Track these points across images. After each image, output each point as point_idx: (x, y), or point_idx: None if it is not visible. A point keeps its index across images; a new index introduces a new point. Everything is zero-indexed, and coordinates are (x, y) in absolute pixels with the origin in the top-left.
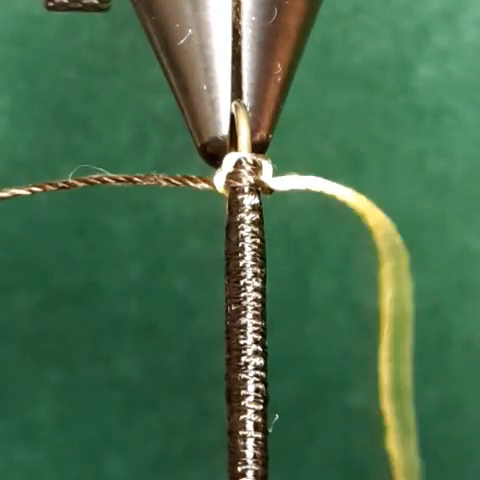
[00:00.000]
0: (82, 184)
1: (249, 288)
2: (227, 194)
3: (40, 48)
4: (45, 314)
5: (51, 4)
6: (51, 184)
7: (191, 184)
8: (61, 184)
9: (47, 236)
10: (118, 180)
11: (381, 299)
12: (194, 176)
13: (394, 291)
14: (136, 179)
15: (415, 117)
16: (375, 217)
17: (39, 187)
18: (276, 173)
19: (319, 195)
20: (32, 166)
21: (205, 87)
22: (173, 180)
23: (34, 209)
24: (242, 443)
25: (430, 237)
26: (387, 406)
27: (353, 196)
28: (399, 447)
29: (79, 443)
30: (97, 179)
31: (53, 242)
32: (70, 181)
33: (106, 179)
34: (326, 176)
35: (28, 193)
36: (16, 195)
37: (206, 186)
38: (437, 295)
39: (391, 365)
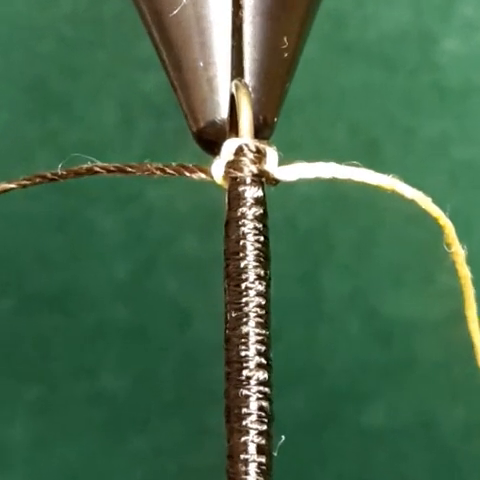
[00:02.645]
0: (71, 176)
1: (251, 292)
2: (226, 185)
3: (13, 19)
4: (20, 320)
5: None
6: (40, 176)
7: (187, 174)
8: (50, 176)
9: (22, 232)
10: (109, 170)
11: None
12: (190, 165)
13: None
14: (129, 169)
15: (439, 97)
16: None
17: (28, 180)
18: (282, 161)
19: (330, 185)
20: (5, 152)
21: (201, 64)
22: (167, 170)
23: (7, 202)
24: (243, 468)
25: (457, 231)
26: None
27: (371, 176)
28: None
29: (58, 466)
30: (88, 170)
31: (29, 239)
32: (60, 172)
33: (97, 169)
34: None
35: (18, 187)
36: (6, 190)
37: (203, 176)
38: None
39: (475, 326)
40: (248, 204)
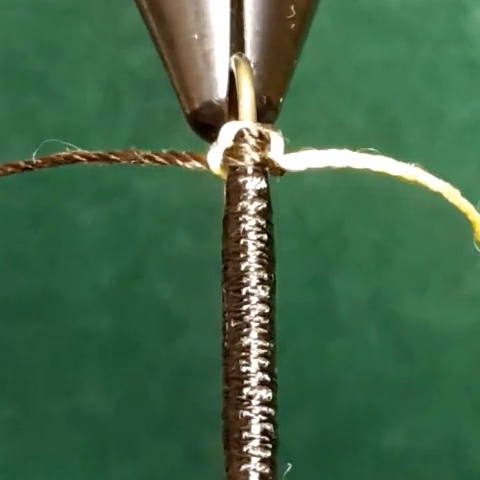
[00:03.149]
0: (48, 164)
1: (253, 299)
2: (225, 176)
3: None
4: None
5: None
6: (13, 165)
7: (179, 163)
8: (24, 165)
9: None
10: (91, 158)
11: None
12: (183, 152)
13: None
14: (113, 157)
15: (469, 73)
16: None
17: (13, 165)
18: (288, 148)
19: (344, 176)
20: None
21: (196, 36)
22: (157, 158)
23: None
24: None
25: None
26: None
27: (391, 165)
28: None
29: None
30: (66, 158)
31: (3, 240)
32: (34, 161)
33: (77, 157)
34: (353, 151)
35: (2, 175)
36: None
37: (198, 165)
38: None
39: None
40: (249, 197)
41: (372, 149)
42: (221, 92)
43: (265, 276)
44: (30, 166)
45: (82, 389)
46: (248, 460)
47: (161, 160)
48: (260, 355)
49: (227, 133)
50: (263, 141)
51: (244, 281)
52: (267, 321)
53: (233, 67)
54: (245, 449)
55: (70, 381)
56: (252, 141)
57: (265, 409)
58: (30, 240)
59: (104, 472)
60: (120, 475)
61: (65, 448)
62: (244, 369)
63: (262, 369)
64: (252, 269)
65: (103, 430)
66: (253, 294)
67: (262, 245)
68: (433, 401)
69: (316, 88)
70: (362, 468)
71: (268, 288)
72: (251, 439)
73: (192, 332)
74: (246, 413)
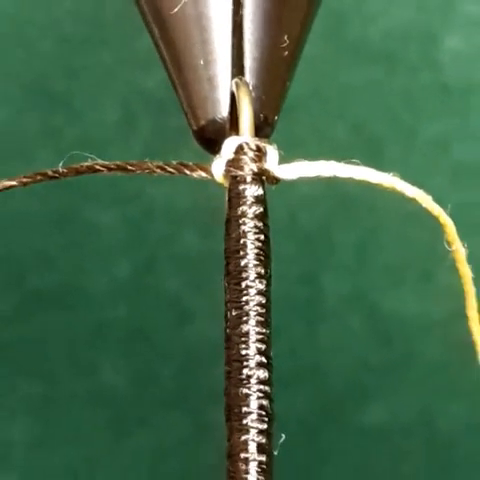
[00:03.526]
0: (72, 174)
1: (252, 291)
2: (227, 184)
3: (15, 17)
4: (20, 319)
5: None
6: (41, 174)
7: (187, 172)
8: (51, 173)
9: (23, 230)
10: (110, 168)
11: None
12: (190, 163)
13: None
14: (129, 167)
15: (441, 96)
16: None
17: (29, 178)
18: (283, 160)
19: (331, 184)
20: (6, 151)
21: (202, 62)
22: (168, 168)
23: (8, 200)
24: (244, 467)
25: (458, 231)
26: None
27: (373, 174)
28: None
29: (58, 465)
30: (88, 168)
31: (28, 237)
32: (61, 170)
33: (98, 167)
34: (339, 162)
35: (19, 185)
36: (7, 188)
37: (203, 175)
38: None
39: (475, 324)
40: (248, 202)
41: (355, 160)
42: (224, 111)
43: (262, 271)
44: (57, 175)
45: (101, 369)
46: (247, 431)
47: (171, 170)
48: (258, 340)
49: (229, 147)
50: (260, 154)
51: (244, 275)
52: (264, 310)
53: (234, 89)
54: (244, 422)
55: (91, 362)
56: (251, 154)
57: (262, 387)
58: (56, 239)
59: (121, 442)
60: (135, 444)
61: (86, 421)
62: (244, 352)
63: (259, 352)
64: (251, 265)
65: (120, 405)
66: (252, 287)
67: (259, 244)
68: (409, 381)
69: (307, 107)
70: (347, 439)
71: (265, 282)
72: (250, 413)
73: (198, 320)
74: (245, 390)
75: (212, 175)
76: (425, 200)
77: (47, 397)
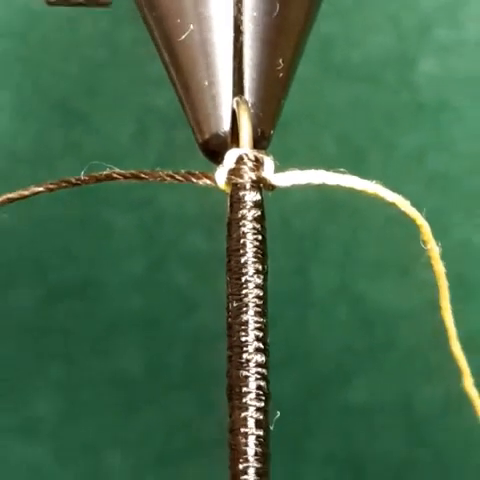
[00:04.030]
0: (93, 181)
1: (250, 285)
2: (229, 190)
3: (41, 43)
4: (46, 309)
5: (52, 0)
6: (66, 181)
7: (194, 180)
8: (74, 181)
9: (48, 231)
10: (126, 177)
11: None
12: (196, 172)
13: (439, 268)
14: (143, 175)
15: (416, 113)
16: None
17: (55, 184)
18: (277, 169)
19: (320, 190)
20: (33, 161)
21: (206, 83)
22: (177, 176)
23: (34, 205)
24: (243, 440)
25: (433, 231)
26: (458, 351)
27: (357, 182)
28: (474, 388)
29: (81, 437)
30: (107, 176)
31: (54, 237)
32: (82, 178)
33: (115, 176)
34: (327, 171)
35: (46, 191)
36: (36, 193)
37: (208, 182)
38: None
39: (448, 313)
40: (248, 207)
41: (342, 169)
42: (226, 126)
43: (260, 267)
44: (79, 182)
45: (118, 354)
46: (246, 409)
47: (179, 178)
48: (256, 328)
49: (230, 157)
50: (258, 164)
51: (243, 271)
52: (261, 302)
53: (235, 107)
54: (244, 400)
55: (108, 347)
56: (250, 164)
57: (260, 370)
58: (78, 240)
59: (135, 418)
60: (148, 420)
61: (104, 399)
62: (243, 339)
63: (257, 339)
64: (250, 262)
65: (134, 385)
66: (250, 281)
67: (257, 244)
68: (389, 364)
69: (298, 123)
70: (331, 416)
71: (262, 277)
72: (249, 393)
73: (203, 310)
74: (245, 373)
75: (216, 183)
76: (403, 204)
77: (70, 378)
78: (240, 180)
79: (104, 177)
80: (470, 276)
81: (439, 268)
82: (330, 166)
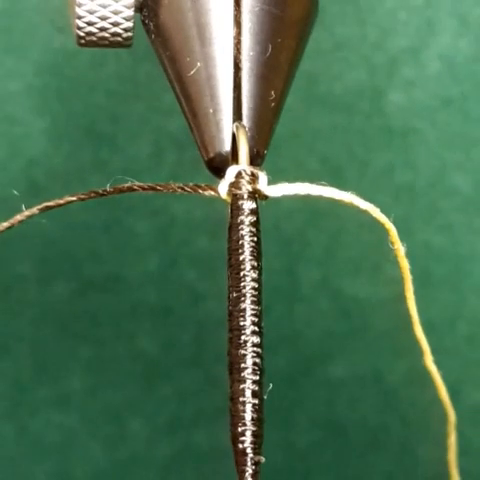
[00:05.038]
0: (117, 192)
1: (248, 278)
2: (229, 200)
3: (74, 77)
4: (78, 300)
5: (83, 41)
6: (95, 192)
7: (200, 191)
8: (101, 191)
9: (79, 234)
10: (144, 188)
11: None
12: (203, 185)
13: (405, 264)
14: (158, 187)
15: (386, 136)
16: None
17: (87, 194)
18: (270, 182)
19: (305, 200)
20: (67, 177)
21: (211, 111)
22: (186, 188)
23: (69, 212)
24: (242, 408)
25: (399, 234)
26: (420, 334)
27: (336, 193)
28: (434, 365)
29: (106, 408)
30: (128, 188)
31: (84, 239)
32: (108, 189)
33: (135, 188)
34: (312, 184)
35: (78, 200)
36: (69, 202)
37: (212, 193)
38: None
39: (412, 303)
40: (245, 214)
41: (323, 182)
42: (227, 147)
43: (255, 264)
44: (105, 193)
45: (137, 337)
46: (244, 381)
47: (189, 190)
48: (252, 314)
49: (231, 173)
50: (254, 178)
51: (242, 267)
52: (256, 293)
53: (235, 130)
54: (242, 375)
55: (129, 331)
56: (247, 178)
57: (255, 349)
58: (104, 241)
59: (152, 391)
60: (162, 392)
61: (126, 375)
62: (242, 323)
63: (253, 323)
64: (247, 259)
65: (151, 363)
66: (248, 276)
67: (253, 244)
68: (364, 345)
69: (287, 145)
70: (316, 388)
71: (257, 272)
72: (246, 368)
73: (209, 300)
74: (243, 351)
75: (219, 194)
76: (374, 211)
77: (97, 357)
78: (239, 191)
79: (126, 189)
80: (430, 271)
81: (404, 264)
82: (313, 180)
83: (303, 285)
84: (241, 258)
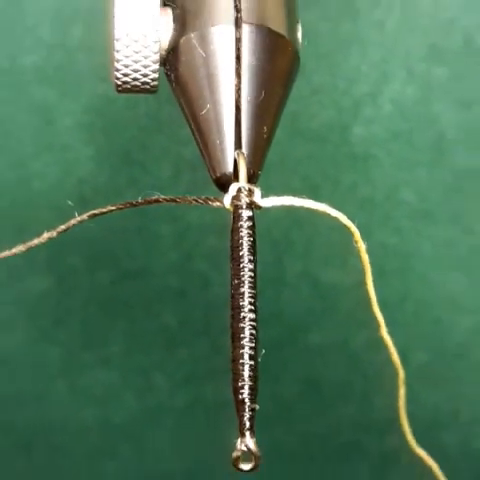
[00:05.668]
0: (146, 203)
1: (246, 269)
2: (232, 209)
3: (113, 116)
4: (116, 285)
5: (120, 89)
6: (129, 203)
7: (210, 203)
8: (135, 203)
9: (117, 236)
10: (167, 200)
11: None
12: (211, 197)
13: (365, 258)
14: (177, 199)
15: (351, 161)
16: (327, 212)
17: (123, 205)
18: (263, 196)
19: (290, 210)
20: (108, 192)
21: (218, 141)
22: (199, 200)
23: (109, 219)
24: (241, 368)
25: (361, 234)
26: (377, 310)
27: (313, 204)
28: (387, 335)
29: (138, 367)
30: (154, 200)
31: (121, 240)
32: (139, 201)
33: (160, 200)
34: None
35: (116, 210)
36: (110, 211)
37: (219, 204)
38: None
39: (370, 287)
40: (244, 220)
41: (304, 196)
42: (230, 169)
43: (252, 258)
44: (137, 204)
45: (161, 314)
46: (243, 347)
47: (201, 201)
48: (249, 296)
49: (233, 189)
50: (251, 192)
51: (241, 260)
52: (253, 280)
53: (236, 156)
54: (241, 342)
55: (155, 310)
56: (245, 193)
57: (251, 323)
58: (136, 241)
59: (173, 355)
60: (181, 356)
61: (154, 343)
62: (241, 303)
63: (250, 303)
64: (245, 254)
65: (172, 334)
66: (246, 267)
67: (250, 243)
68: (335, 320)
69: (275, 168)
70: (298, 352)
71: (253, 264)
72: (244, 338)
73: (216, 286)
74: (242, 325)
75: (224, 204)
76: (342, 218)
77: (131, 329)
78: (239, 203)
79: (153, 201)
80: (384, 264)
81: (365, 259)
82: (295, 195)
83: (288, 274)
84: (241, 253)
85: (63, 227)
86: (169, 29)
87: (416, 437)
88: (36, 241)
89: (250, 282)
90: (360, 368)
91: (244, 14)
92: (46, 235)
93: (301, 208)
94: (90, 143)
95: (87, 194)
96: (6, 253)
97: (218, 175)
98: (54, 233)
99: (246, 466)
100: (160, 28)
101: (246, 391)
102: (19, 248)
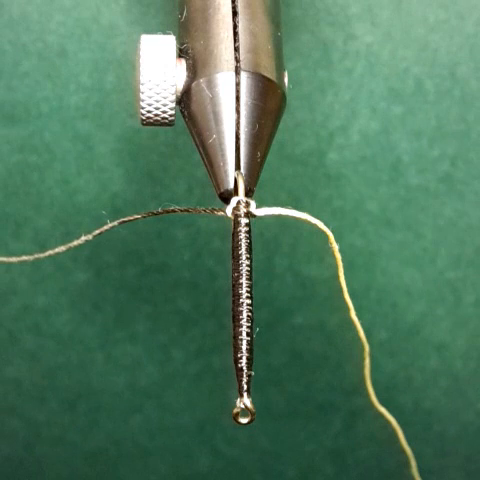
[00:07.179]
0: (165, 213)
1: (244, 264)
2: (233, 218)
3: (139, 143)
4: (141, 277)
5: (144, 122)
6: (152, 212)
7: (215, 212)
8: (156, 212)
9: (142, 238)
10: (181, 210)
11: (336, 255)
12: (216, 208)
13: (338, 256)
14: (190, 210)
15: (326, 179)
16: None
17: (147, 214)
18: (257, 207)
19: (279, 218)
20: (134, 204)
21: (221, 164)
22: (207, 210)
23: (136, 225)
24: (240, 342)
25: (335, 237)
26: (347, 298)
27: (297, 213)
28: (355, 316)
29: (159, 343)
30: (172, 210)
31: (145, 241)
32: (160, 210)
33: (176, 210)
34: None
35: (141, 218)
36: (137, 218)
37: (222, 214)
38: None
39: (342, 279)
40: (242, 226)
41: (289, 207)
42: (231, 186)
43: (248, 256)
44: (158, 213)
45: (176, 300)
46: (241, 326)
47: (208, 211)
48: (246, 286)
49: (234, 201)
50: (248, 204)
51: (240, 258)
52: (249, 273)
53: (236, 176)
54: (240, 322)
55: (171, 297)
56: (243, 204)
57: (248, 307)
58: (157, 243)
59: (186, 332)
60: (193, 333)
61: (170, 323)
62: (240, 291)
63: (247, 292)
64: (243, 253)
65: (186, 316)
66: (243, 263)
67: (247, 244)
68: (315, 304)
69: (266, 186)
70: (284, 332)
71: (250, 260)
72: (242, 319)
73: (221, 278)
74: (240, 308)
75: (226, 214)
76: (320, 224)
77: (153, 312)
78: (238, 212)
79: (171, 210)
80: (353, 261)
81: (338, 256)
82: (283, 206)
83: (276, 269)
84: (240, 252)
85: (98, 231)
86: (183, 76)
87: (378, 398)
88: (75, 242)
89: (247, 275)
90: (334, 343)
91: (242, 64)
92: (83, 238)
93: (287, 217)
94: (121, 165)
95: (118, 206)
96: (49, 252)
97: (222, 191)
98: (90, 236)
99: (244, 420)
100: (176, 75)
101: (244, 361)
102: (61, 248)
